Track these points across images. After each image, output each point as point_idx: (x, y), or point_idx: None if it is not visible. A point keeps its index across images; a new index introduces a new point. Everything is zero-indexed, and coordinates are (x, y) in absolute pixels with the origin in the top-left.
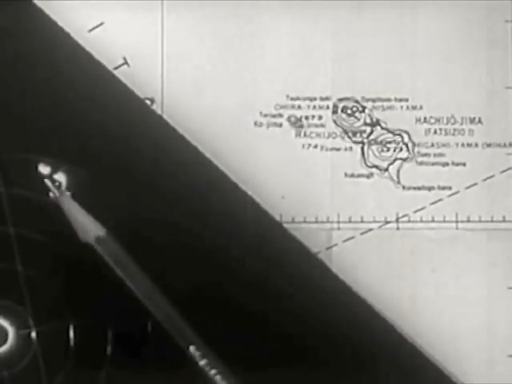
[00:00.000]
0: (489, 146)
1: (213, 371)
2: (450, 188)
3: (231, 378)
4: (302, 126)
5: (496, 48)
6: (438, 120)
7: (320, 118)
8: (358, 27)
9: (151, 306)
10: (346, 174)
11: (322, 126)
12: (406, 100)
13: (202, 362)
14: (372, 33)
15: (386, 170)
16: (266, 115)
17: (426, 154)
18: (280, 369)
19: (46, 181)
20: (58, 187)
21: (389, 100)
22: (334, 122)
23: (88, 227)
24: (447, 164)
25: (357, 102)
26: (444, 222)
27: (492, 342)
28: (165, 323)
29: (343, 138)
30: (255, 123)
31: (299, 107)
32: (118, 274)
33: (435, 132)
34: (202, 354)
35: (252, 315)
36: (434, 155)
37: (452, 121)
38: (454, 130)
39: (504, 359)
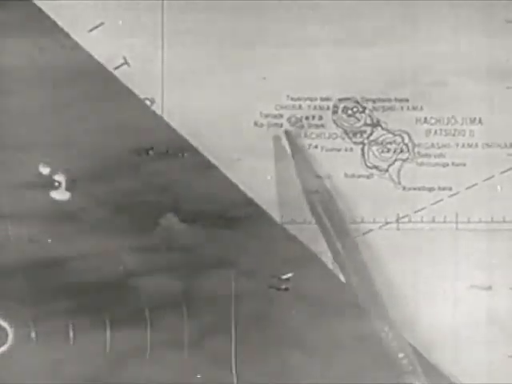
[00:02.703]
0: (489, 146)
1: None
2: (450, 188)
3: None
4: (302, 127)
5: (497, 48)
6: (438, 120)
7: (320, 118)
8: (359, 27)
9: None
10: (346, 175)
11: (323, 126)
12: (407, 100)
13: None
14: (373, 33)
15: (387, 170)
16: (266, 115)
17: (426, 155)
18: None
19: (48, 180)
20: (59, 186)
21: (389, 100)
22: (335, 122)
23: None
24: (447, 164)
25: (357, 102)
26: (444, 222)
27: (492, 342)
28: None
29: (343, 138)
30: (255, 123)
31: (300, 107)
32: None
33: (435, 132)
34: None
35: (253, 315)
36: (435, 156)
37: (452, 121)
38: (455, 130)
39: (505, 360)
